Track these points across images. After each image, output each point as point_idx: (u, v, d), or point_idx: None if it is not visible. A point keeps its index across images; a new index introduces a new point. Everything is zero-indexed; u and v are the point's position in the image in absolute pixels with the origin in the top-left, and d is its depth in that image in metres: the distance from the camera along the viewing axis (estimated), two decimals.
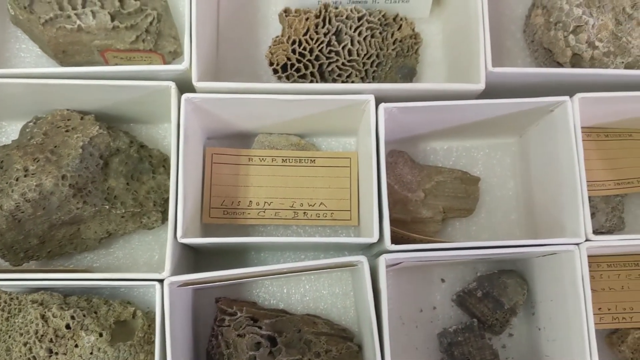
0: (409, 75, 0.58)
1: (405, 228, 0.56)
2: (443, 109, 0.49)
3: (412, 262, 0.50)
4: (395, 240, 0.47)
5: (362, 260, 0.46)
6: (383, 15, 0.57)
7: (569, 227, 0.48)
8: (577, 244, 0.47)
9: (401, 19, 0.58)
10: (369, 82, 0.57)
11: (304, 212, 0.56)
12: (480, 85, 0.48)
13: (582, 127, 0.57)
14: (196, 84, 0.48)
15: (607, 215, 0.56)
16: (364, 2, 0.59)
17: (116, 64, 0.57)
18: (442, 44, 0.60)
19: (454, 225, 0.59)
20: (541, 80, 0.51)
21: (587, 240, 0.47)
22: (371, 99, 0.48)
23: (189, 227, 0.48)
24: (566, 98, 0.49)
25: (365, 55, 0.56)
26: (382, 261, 0.46)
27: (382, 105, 0.48)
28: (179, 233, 0.45)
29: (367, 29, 0.56)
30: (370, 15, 0.56)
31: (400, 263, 0.50)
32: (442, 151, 0.60)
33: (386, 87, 0.48)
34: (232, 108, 0.51)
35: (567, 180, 0.49)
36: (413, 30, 0.58)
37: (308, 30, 0.55)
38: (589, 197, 0.56)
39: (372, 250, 0.53)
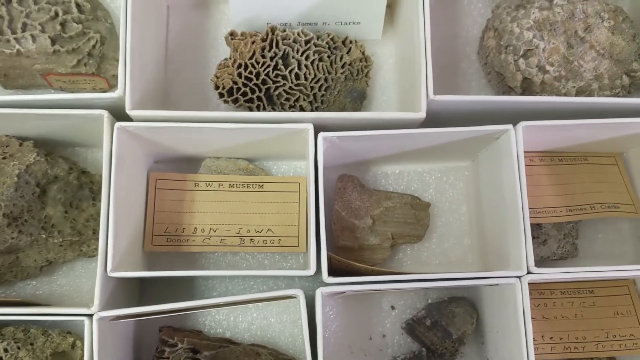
0: (359, 98, 0.57)
1: (353, 255, 0.55)
2: (383, 137, 0.48)
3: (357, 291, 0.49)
4: (339, 269, 0.46)
5: (299, 293, 0.45)
6: (331, 39, 0.56)
7: (512, 258, 0.47)
8: (519, 277, 0.46)
9: (351, 42, 0.57)
10: (318, 106, 0.56)
11: (251, 239, 0.55)
12: (421, 114, 0.47)
13: (535, 152, 0.57)
14: (130, 112, 0.47)
15: (559, 242, 0.55)
16: (314, 24, 0.58)
17: (60, 87, 0.56)
18: (395, 67, 0.60)
19: (405, 251, 0.58)
20: (486, 107, 0.50)
21: (528, 272, 0.46)
22: (310, 127, 0.47)
23: (125, 257, 0.47)
24: (509, 126, 0.48)
25: (313, 79, 0.55)
26: (319, 295, 0.45)
27: (321, 135, 0.47)
28: (109, 267, 0.44)
29: (314, 52, 0.55)
30: (318, 39, 0.55)
31: (345, 292, 0.49)
32: (393, 175, 0.59)
33: (326, 116, 0.48)
34: (169, 135, 0.50)
35: (510, 211, 0.48)
36: (363, 53, 0.57)
37: (254, 53, 0.54)
38: (540, 224, 0.55)
39: (319, 278, 0.52)
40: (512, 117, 0.53)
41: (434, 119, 0.53)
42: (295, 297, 0.45)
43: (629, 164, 0.58)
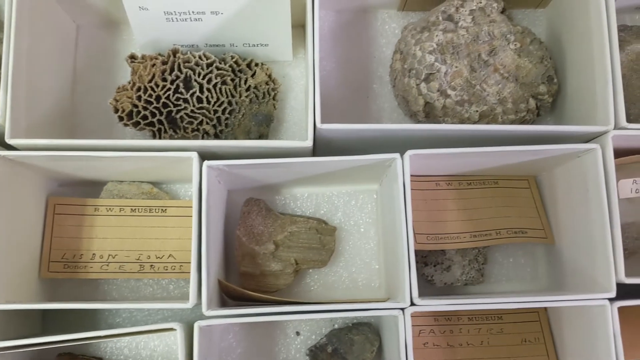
0: (265, 122, 0.56)
1: (255, 281, 0.54)
2: (271, 165, 0.47)
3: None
4: (236, 296, 0.45)
5: (176, 327, 0.44)
6: (235, 62, 0.55)
7: (400, 288, 0.46)
8: (402, 309, 0.45)
9: (256, 65, 0.56)
10: (222, 130, 0.55)
11: (151, 265, 0.54)
12: (308, 143, 0.46)
13: (443, 176, 0.56)
14: (10, 141, 0.46)
15: (464, 268, 0.54)
16: (222, 46, 0.57)
17: None
18: (305, 89, 0.59)
19: (312, 276, 0.57)
20: (378, 135, 0.49)
21: (412, 304, 0.45)
22: (194, 156, 0.46)
23: (18, 286, 0.47)
24: (396, 155, 0.47)
25: (216, 102, 0.54)
26: (197, 329, 0.44)
27: (205, 163, 0.46)
28: None
29: (217, 75, 0.54)
30: (221, 62, 0.55)
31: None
32: (302, 198, 0.58)
33: (211, 144, 0.47)
34: (58, 162, 0.49)
35: (398, 241, 0.47)
36: (269, 76, 0.56)
37: (154, 76, 0.53)
38: (444, 250, 0.54)
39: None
40: (415, 141, 0.53)
41: (335, 144, 0.52)
42: (174, 330, 0.45)
43: (543, 186, 0.57)
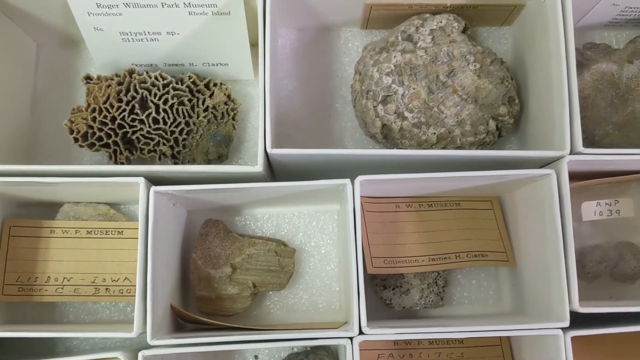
0: (223, 142, 0.55)
1: (212, 305, 0.54)
2: (219, 191, 0.46)
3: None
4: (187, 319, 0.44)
5: (120, 356, 0.44)
6: (193, 82, 0.55)
7: (350, 315, 0.46)
8: (350, 338, 0.44)
9: (215, 85, 0.55)
10: (179, 150, 0.54)
11: (107, 288, 0.53)
12: (258, 168, 0.46)
13: (403, 197, 0.55)
14: None
15: (423, 292, 0.54)
16: (181, 65, 0.57)
17: None
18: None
19: (272, 298, 0.56)
20: (332, 159, 0.48)
21: (360, 333, 0.44)
22: (141, 181, 0.46)
23: None
24: (347, 181, 0.46)
25: (172, 123, 0.54)
26: (141, 358, 0.43)
27: (152, 189, 0.46)
28: None
29: (173, 96, 0.54)
30: (178, 82, 0.54)
31: None
32: (263, 219, 0.57)
33: (157, 169, 0.46)
34: (10, 187, 0.48)
35: (349, 268, 0.46)
36: (228, 96, 0.56)
37: (109, 97, 0.53)
38: (403, 274, 0.54)
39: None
40: (373, 164, 0.52)
41: (293, 166, 0.52)
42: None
43: (506, 207, 0.56)
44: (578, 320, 0.45)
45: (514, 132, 0.58)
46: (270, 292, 0.56)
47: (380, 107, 0.52)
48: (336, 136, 0.59)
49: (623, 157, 0.47)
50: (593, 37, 0.61)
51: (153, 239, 0.45)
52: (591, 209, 0.54)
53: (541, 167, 0.50)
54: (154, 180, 0.49)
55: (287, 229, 0.57)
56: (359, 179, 0.46)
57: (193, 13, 0.51)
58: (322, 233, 0.57)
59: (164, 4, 0.50)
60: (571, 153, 0.47)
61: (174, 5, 0.50)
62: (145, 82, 0.53)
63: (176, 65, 0.57)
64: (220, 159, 0.56)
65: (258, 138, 0.46)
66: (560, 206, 0.46)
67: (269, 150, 0.46)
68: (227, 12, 0.51)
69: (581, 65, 0.55)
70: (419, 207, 0.55)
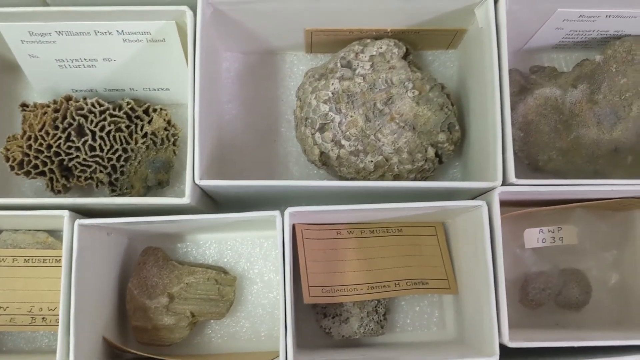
0: (163, 169, 0.55)
1: (148, 335, 0.53)
2: (145, 224, 0.46)
3: None
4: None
5: None
6: (131, 108, 0.54)
7: (280, 348, 0.45)
8: None
9: (154, 110, 0.55)
10: (117, 177, 0.54)
11: (43, 318, 0.53)
12: (185, 200, 0.45)
13: (346, 224, 0.55)
14: None
15: (362, 320, 0.53)
16: (121, 90, 0.56)
17: None
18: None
19: (213, 326, 0.56)
20: (259, 190, 0.48)
21: None
22: (65, 214, 0.45)
23: None
24: (276, 213, 0.46)
25: (109, 150, 0.53)
26: None
27: (77, 222, 0.45)
28: None
29: (110, 123, 0.53)
30: (115, 109, 0.54)
31: None
32: (205, 245, 0.57)
33: (82, 202, 0.46)
34: None
35: (279, 299, 0.45)
36: (168, 122, 0.55)
37: (44, 125, 0.52)
38: (342, 303, 0.53)
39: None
40: (311, 192, 0.52)
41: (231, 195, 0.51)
42: None
43: (449, 233, 0.56)
44: (513, 352, 0.45)
45: (458, 157, 0.57)
46: (212, 320, 0.55)
47: (318, 135, 0.52)
48: (281, 161, 0.58)
49: (555, 189, 0.46)
50: (542, 59, 0.60)
51: (78, 272, 0.45)
52: (534, 236, 0.53)
53: (478, 196, 0.50)
54: (85, 210, 0.48)
55: (230, 256, 0.57)
56: (289, 210, 0.46)
57: (127, 40, 0.51)
58: (265, 260, 0.56)
59: (96, 31, 0.50)
60: (504, 184, 0.46)
61: (107, 33, 0.50)
62: (82, 109, 0.53)
63: (117, 90, 0.56)
64: (161, 185, 0.56)
65: (187, 169, 0.45)
66: (493, 237, 0.46)
67: (197, 182, 0.45)
68: (161, 39, 0.51)
69: (525, 90, 0.55)
70: (361, 234, 0.55)
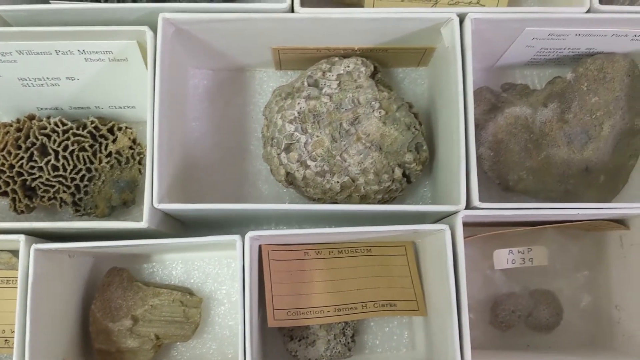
0: (128, 188, 0.54)
1: (112, 358, 0.52)
2: (103, 247, 0.45)
3: None
4: None
5: None
6: (95, 127, 0.53)
7: None
8: None
9: (119, 129, 0.54)
10: (81, 197, 0.53)
11: (6, 340, 0.52)
12: (143, 224, 0.44)
13: (313, 244, 0.54)
14: None
15: (329, 343, 0.52)
16: (87, 109, 0.56)
17: None
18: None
19: (179, 348, 0.55)
20: (223, 211, 0.47)
21: None
22: (21, 238, 0.44)
23: None
24: (236, 237, 0.45)
25: (73, 169, 0.52)
26: None
27: (33, 247, 0.44)
28: None
29: (74, 142, 0.52)
30: (79, 128, 0.53)
31: None
32: (172, 265, 0.56)
33: (38, 226, 0.45)
34: None
35: (238, 325, 0.45)
36: (133, 140, 0.54)
37: (6, 145, 0.52)
38: (308, 325, 0.52)
39: None
40: (280, 213, 0.51)
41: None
42: None
43: (419, 253, 0.55)
44: None
45: (428, 176, 0.57)
46: (178, 343, 0.55)
47: (283, 155, 0.51)
48: (249, 179, 0.58)
49: (519, 212, 0.45)
50: (514, 76, 0.59)
51: (34, 297, 0.44)
52: (503, 257, 0.53)
53: (446, 216, 0.49)
54: (47, 233, 0.47)
55: (197, 276, 0.56)
56: (250, 234, 0.45)
57: (89, 59, 0.50)
58: (232, 280, 0.56)
59: (58, 51, 0.49)
60: (468, 207, 0.45)
61: (69, 52, 0.49)
62: (45, 129, 0.52)
63: (82, 108, 0.55)
64: (126, 204, 0.55)
65: (144, 193, 0.45)
66: (456, 259, 0.45)
67: (155, 205, 0.45)
68: (124, 59, 0.50)
69: (496, 108, 0.54)
70: (329, 254, 0.54)
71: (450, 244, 0.45)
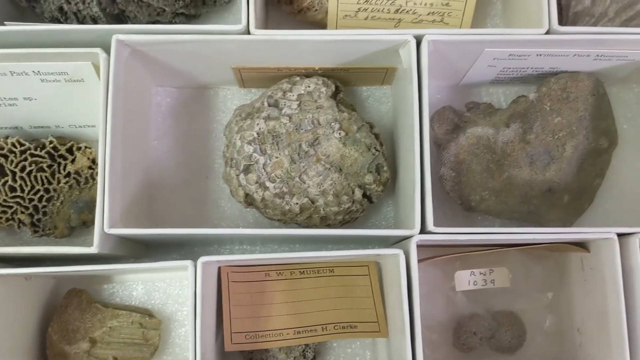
0: (87, 208, 0.54)
1: None
2: (53, 272, 0.44)
3: None
4: None
5: None
6: (53, 147, 0.53)
7: None
8: None
9: (78, 149, 0.54)
10: (39, 218, 0.52)
11: None
12: (94, 249, 0.44)
13: (275, 265, 0.53)
14: None
15: None
16: (47, 128, 0.55)
17: None
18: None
19: None
20: (179, 237, 0.47)
21: None
22: None
23: None
24: (188, 263, 0.45)
25: (30, 190, 0.52)
26: None
27: None
28: None
29: (31, 163, 0.52)
30: (37, 149, 0.52)
31: None
32: (132, 286, 0.55)
33: None
34: None
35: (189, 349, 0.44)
36: (93, 160, 0.54)
37: None
38: (267, 349, 0.52)
39: None
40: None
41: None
42: None
43: (383, 272, 0.54)
44: None
45: (392, 195, 0.56)
46: None
47: (242, 176, 0.50)
48: (212, 198, 0.57)
49: (474, 237, 0.45)
50: (480, 93, 0.59)
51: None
52: (465, 279, 0.52)
53: (405, 239, 0.49)
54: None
55: (157, 297, 0.55)
56: (202, 260, 0.44)
57: (45, 80, 0.50)
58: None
59: (12, 72, 0.49)
60: (423, 231, 0.45)
61: (24, 74, 0.49)
62: (2, 149, 0.52)
63: (42, 127, 0.55)
64: (86, 225, 0.54)
65: (96, 217, 0.44)
66: (410, 284, 0.45)
67: (106, 230, 0.44)
68: (80, 79, 0.49)
69: (459, 128, 0.54)
70: (290, 275, 0.53)
71: (404, 268, 0.44)
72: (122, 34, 0.46)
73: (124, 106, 0.48)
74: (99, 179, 0.45)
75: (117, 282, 0.55)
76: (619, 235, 0.46)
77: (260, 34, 0.47)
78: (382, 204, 0.57)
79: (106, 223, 0.44)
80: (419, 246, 0.45)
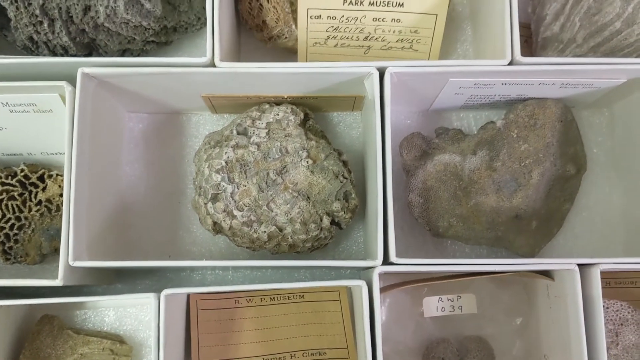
0: (58, 236, 0.54)
1: None
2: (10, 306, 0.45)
3: None
4: None
5: None
6: (24, 176, 0.53)
7: None
8: None
9: (50, 176, 0.54)
10: (11, 246, 0.53)
11: None
12: (58, 282, 0.44)
13: (245, 291, 0.54)
14: None
15: None
16: (20, 155, 0.55)
17: None
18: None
19: None
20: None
21: None
22: None
23: None
24: (150, 295, 0.45)
25: (1, 219, 0.52)
26: None
27: None
28: None
29: (2, 191, 0.52)
30: (7, 177, 0.53)
31: None
32: (104, 311, 0.56)
33: None
34: None
35: None
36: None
37: None
38: None
39: None
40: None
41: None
42: None
43: (354, 298, 0.55)
44: None
45: (362, 220, 0.57)
46: None
47: (210, 204, 0.51)
48: (184, 223, 0.58)
49: (437, 268, 0.45)
50: (451, 118, 0.60)
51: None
52: (433, 305, 0.53)
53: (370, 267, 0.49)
54: None
55: (129, 323, 0.56)
56: (165, 293, 0.45)
57: (14, 111, 0.50)
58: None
59: None
60: (386, 262, 0.45)
61: None
62: None
63: (14, 155, 0.55)
64: (57, 252, 0.54)
65: (62, 248, 0.45)
66: (372, 313, 0.45)
67: (70, 263, 0.44)
68: (48, 110, 0.50)
69: (427, 155, 0.54)
70: (260, 302, 0.54)
71: (366, 299, 0.45)
72: (87, 67, 0.47)
73: (92, 135, 0.49)
74: (64, 210, 0.46)
75: (89, 308, 0.56)
76: (581, 265, 0.46)
77: (225, 67, 0.47)
78: (353, 229, 0.57)
79: (71, 256, 0.45)
80: (387, 273, 0.46)
